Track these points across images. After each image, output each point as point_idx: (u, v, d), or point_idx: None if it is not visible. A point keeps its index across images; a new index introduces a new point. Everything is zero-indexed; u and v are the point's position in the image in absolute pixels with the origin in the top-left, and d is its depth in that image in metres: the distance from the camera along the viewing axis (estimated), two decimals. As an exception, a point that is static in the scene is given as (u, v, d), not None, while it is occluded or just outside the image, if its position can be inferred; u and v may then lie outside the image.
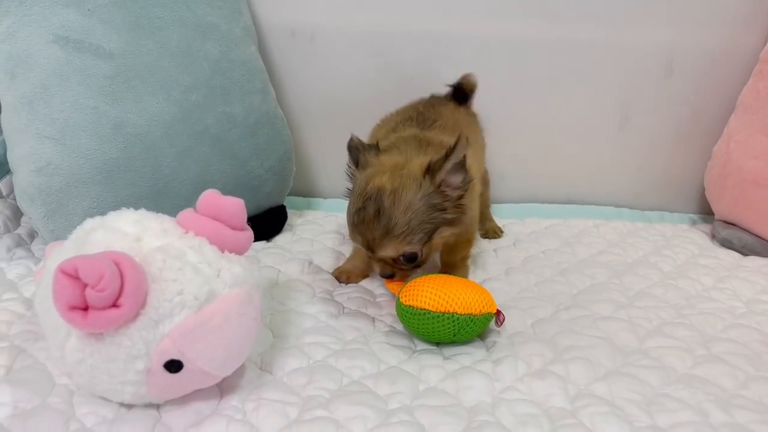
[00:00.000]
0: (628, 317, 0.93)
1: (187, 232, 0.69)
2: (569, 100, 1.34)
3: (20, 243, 1.04)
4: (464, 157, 0.84)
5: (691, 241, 1.28)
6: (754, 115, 1.25)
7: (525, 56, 1.30)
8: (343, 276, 1.02)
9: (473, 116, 1.20)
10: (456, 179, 0.85)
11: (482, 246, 1.20)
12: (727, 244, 1.26)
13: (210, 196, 0.71)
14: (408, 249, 0.84)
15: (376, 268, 0.89)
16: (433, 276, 0.84)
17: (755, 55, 1.29)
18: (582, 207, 1.39)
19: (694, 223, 1.40)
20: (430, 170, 0.83)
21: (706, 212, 1.42)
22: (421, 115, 1.05)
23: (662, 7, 1.27)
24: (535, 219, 1.33)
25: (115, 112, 0.94)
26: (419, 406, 0.71)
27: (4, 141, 1.00)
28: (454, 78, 1.16)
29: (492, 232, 1.25)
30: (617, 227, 1.31)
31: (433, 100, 1.16)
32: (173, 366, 0.63)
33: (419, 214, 0.83)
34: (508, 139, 1.34)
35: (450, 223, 0.86)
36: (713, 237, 1.31)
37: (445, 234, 0.87)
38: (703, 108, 1.35)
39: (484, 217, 1.26)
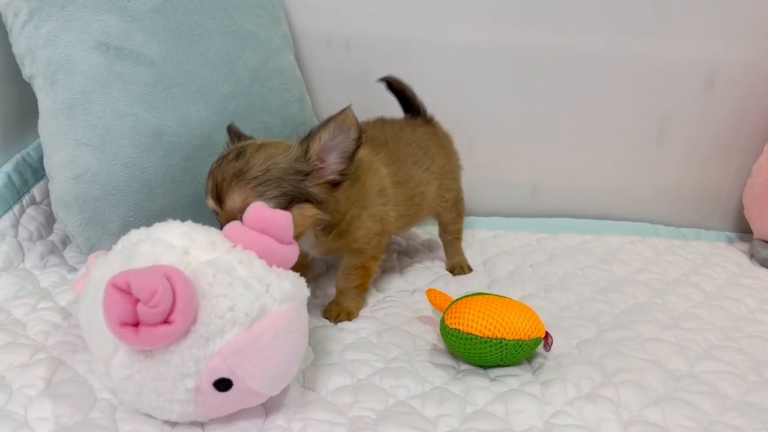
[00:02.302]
0: (676, 339, 0.91)
1: (235, 246, 0.67)
2: (606, 113, 1.31)
3: (53, 250, 1.03)
4: (356, 148, 0.81)
5: (730, 260, 1.25)
6: (796, 132, 1.23)
7: (562, 68, 1.27)
8: None
9: (422, 137, 1.05)
10: (333, 158, 0.80)
11: (517, 262, 1.17)
12: (767, 264, 1.23)
13: (258, 209, 0.69)
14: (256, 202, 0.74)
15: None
16: (480, 297, 0.82)
17: (798, 71, 1.26)
18: (617, 223, 1.36)
19: (730, 241, 1.37)
20: (306, 137, 0.80)
21: (742, 230, 1.39)
22: None
23: (704, 20, 1.24)
24: (569, 234, 1.30)
25: (155, 120, 0.93)
26: (469, 430, 0.69)
27: (39, 146, 0.99)
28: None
29: (458, 268, 1.10)
30: (653, 244, 1.29)
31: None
32: (223, 384, 0.61)
33: (280, 171, 0.77)
34: (543, 152, 1.32)
35: (318, 204, 0.80)
36: (752, 256, 1.28)
37: (307, 212, 0.80)
38: (744, 123, 1.33)
39: (455, 250, 1.13)
